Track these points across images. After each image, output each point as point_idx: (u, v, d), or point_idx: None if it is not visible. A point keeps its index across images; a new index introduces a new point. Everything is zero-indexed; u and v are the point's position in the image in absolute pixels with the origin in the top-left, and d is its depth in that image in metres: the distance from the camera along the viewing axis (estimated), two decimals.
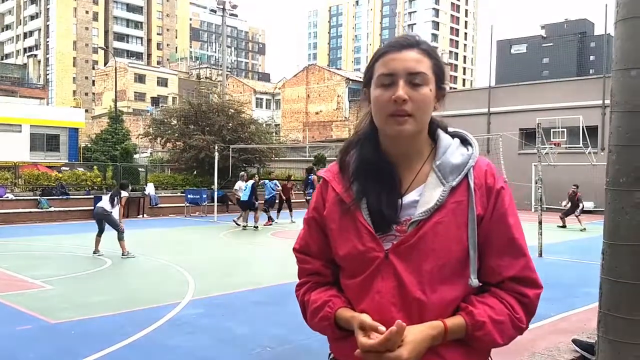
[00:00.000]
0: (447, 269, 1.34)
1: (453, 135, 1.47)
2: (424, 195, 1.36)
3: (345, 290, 1.44)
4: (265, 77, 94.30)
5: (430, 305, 1.33)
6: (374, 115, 1.40)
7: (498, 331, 1.34)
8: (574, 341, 4.38)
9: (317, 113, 51.24)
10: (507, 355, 4.68)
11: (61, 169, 26.89)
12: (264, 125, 32.78)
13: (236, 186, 17.67)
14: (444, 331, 1.31)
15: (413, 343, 1.25)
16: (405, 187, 1.39)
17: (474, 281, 1.35)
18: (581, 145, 22.29)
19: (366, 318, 1.29)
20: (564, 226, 17.99)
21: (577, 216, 17.79)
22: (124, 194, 11.04)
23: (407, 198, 1.38)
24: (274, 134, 39.66)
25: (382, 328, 1.25)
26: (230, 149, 21.74)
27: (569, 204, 18.38)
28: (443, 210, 1.34)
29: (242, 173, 17.89)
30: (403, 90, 1.33)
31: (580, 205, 18.04)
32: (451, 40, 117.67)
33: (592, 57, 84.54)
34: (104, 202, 10.85)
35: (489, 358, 1.46)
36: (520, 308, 1.37)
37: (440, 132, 1.45)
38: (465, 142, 1.46)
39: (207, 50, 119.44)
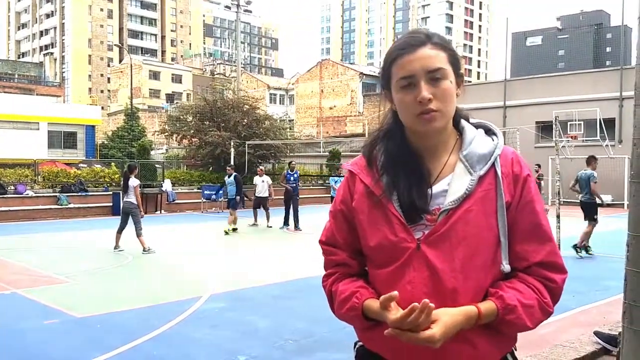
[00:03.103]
0: (479, 257, 1.37)
1: (477, 126, 1.50)
2: (452, 185, 1.40)
3: (374, 280, 1.46)
4: (278, 73, 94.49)
5: (465, 293, 1.35)
6: (402, 117, 1.43)
7: (528, 315, 1.36)
8: (596, 333, 4.41)
9: (331, 108, 51.17)
10: (529, 347, 4.73)
11: (79, 165, 27.20)
12: (279, 121, 32.86)
13: (255, 181, 17.15)
14: (477, 315, 1.33)
15: (446, 324, 1.27)
16: (434, 177, 1.43)
17: (506, 267, 1.39)
18: (598, 138, 22.06)
19: (384, 296, 1.30)
20: None
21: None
22: (136, 181, 11.05)
23: (436, 188, 1.41)
24: (288, 130, 39.69)
25: (395, 293, 1.28)
26: (246, 145, 21.82)
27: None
28: (472, 198, 1.38)
29: (260, 168, 17.60)
30: (426, 90, 1.35)
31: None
32: (465, 33, 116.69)
33: (608, 49, 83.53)
34: (129, 196, 11.01)
35: (514, 346, 1.48)
36: (547, 293, 1.39)
37: (465, 123, 1.48)
38: (489, 132, 1.50)
39: (221, 47, 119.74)
